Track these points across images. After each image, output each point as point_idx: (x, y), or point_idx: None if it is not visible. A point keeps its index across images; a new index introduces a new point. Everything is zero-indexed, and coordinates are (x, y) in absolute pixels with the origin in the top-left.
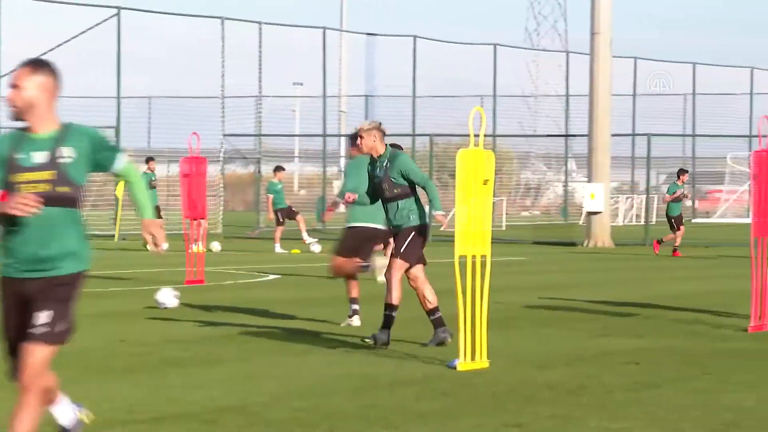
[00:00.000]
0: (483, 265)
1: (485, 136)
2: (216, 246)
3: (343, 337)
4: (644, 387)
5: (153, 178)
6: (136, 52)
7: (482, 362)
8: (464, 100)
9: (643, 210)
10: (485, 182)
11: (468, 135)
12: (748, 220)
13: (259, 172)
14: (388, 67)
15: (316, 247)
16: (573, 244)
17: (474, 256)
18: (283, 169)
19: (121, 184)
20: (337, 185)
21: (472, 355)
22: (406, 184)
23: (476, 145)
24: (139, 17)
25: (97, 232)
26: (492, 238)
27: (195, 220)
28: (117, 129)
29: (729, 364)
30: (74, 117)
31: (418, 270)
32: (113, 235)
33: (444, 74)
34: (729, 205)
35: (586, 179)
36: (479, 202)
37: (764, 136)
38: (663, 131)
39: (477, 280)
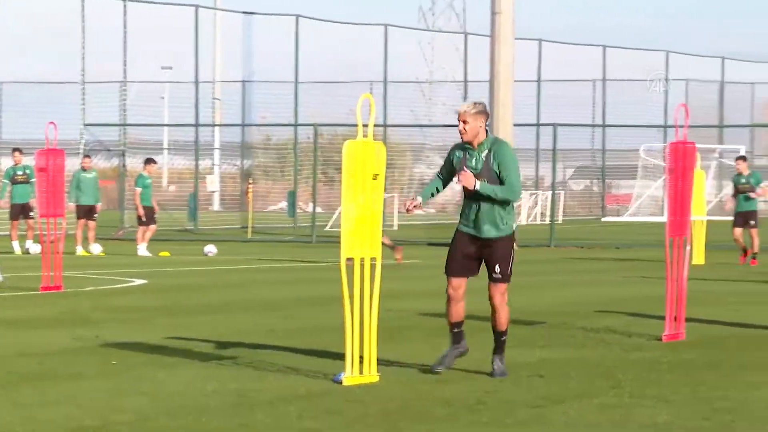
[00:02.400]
0: (372, 268)
1: (375, 126)
2: (96, 248)
3: (216, 350)
4: (549, 402)
5: (20, 172)
6: None
7: (371, 376)
8: (352, 86)
9: (549, 207)
10: (375, 177)
11: (356, 125)
12: (663, 219)
13: (123, 165)
14: (268, 50)
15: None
16: None
17: (362, 259)
18: (155, 162)
19: None
20: (210, 180)
21: (360, 369)
22: None
23: (365, 135)
24: None
25: None
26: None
27: (52, 218)
28: None
29: (642, 376)
30: None
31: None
32: None
33: (330, 58)
34: (642, 203)
35: None
36: (368, 199)
37: (681, 126)
38: (570, 121)
39: (366, 284)
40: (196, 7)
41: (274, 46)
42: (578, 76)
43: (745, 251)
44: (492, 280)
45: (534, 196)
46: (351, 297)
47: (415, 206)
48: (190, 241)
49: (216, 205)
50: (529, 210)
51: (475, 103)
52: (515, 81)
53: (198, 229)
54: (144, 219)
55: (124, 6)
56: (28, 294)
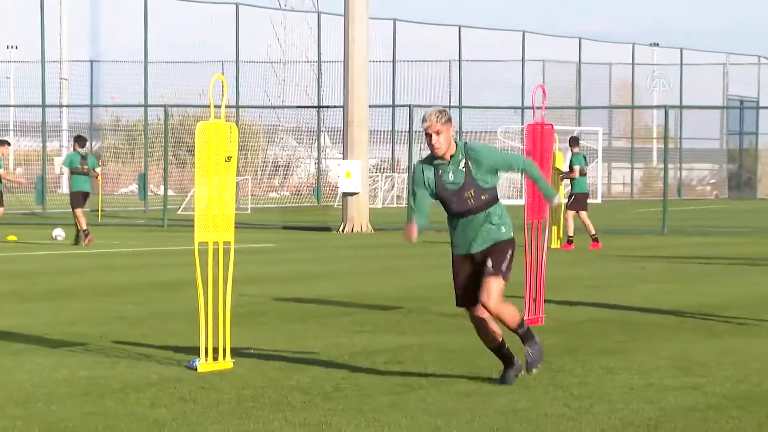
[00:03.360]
0: (226, 252)
1: (227, 107)
2: (59, 233)
3: (66, 336)
4: (407, 389)
5: None
6: None
7: (226, 363)
8: (203, 66)
9: (405, 190)
10: (228, 159)
11: (208, 106)
12: (521, 202)
13: None
14: (117, 30)
15: None
16: (327, 229)
17: (216, 243)
18: (8, 144)
19: None
20: (58, 161)
21: (214, 355)
22: (495, 185)
23: (217, 117)
24: None
25: None
26: (236, 223)
27: None
28: None
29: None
30: None
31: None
32: None
33: (180, 37)
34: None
35: (341, 156)
36: (221, 182)
37: (538, 108)
38: (426, 102)
39: (219, 269)
40: None
41: (123, 26)
42: (434, 57)
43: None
44: (484, 274)
45: (390, 179)
46: (204, 282)
47: (414, 233)
48: (37, 225)
49: (64, 188)
50: (385, 193)
51: (441, 111)
52: (370, 61)
53: (46, 212)
54: None
55: None
56: None
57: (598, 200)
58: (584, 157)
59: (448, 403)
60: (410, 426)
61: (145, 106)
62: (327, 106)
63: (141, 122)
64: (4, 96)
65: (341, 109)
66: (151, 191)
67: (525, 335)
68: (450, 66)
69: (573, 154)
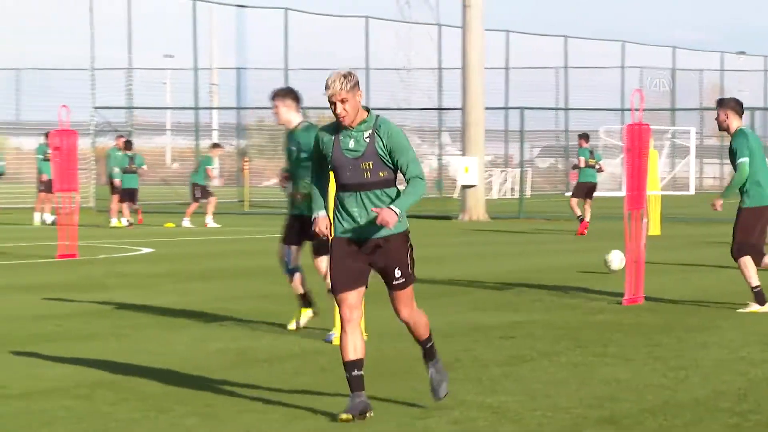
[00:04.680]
0: None
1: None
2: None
3: (217, 312)
4: (520, 361)
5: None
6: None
7: None
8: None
9: (518, 183)
10: None
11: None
12: (622, 194)
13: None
14: (260, 40)
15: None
16: (448, 218)
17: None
18: (221, 147)
19: None
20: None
21: None
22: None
23: None
24: None
25: None
26: None
27: (66, 193)
28: None
29: (604, 337)
30: None
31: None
32: None
33: (316, 47)
34: (602, 179)
35: (460, 152)
36: None
37: (636, 110)
38: (536, 104)
39: None
40: (194, 0)
41: (266, 36)
42: (542, 64)
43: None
44: (393, 288)
45: (504, 173)
46: None
47: (327, 230)
48: (193, 214)
49: (216, 181)
50: (500, 185)
51: (345, 75)
52: (485, 68)
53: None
54: (198, 195)
55: None
56: (45, 261)
57: (691, 192)
58: (591, 152)
59: (557, 374)
60: (523, 393)
61: None
62: (447, 109)
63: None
64: (162, 99)
65: (460, 111)
66: (278, 183)
67: (430, 352)
68: (557, 72)
69: (580, 148)
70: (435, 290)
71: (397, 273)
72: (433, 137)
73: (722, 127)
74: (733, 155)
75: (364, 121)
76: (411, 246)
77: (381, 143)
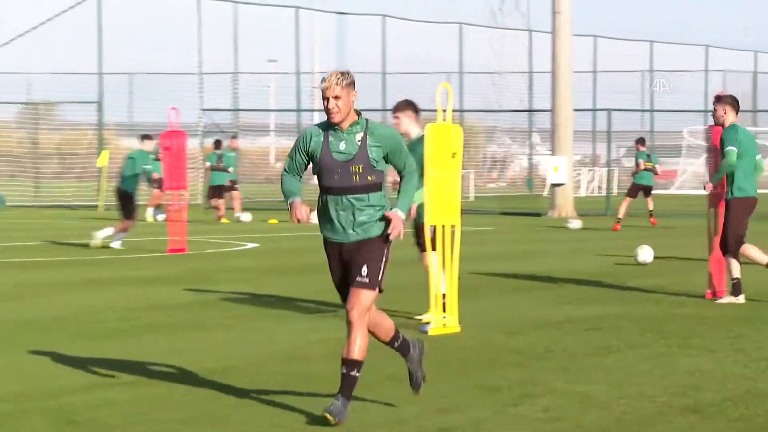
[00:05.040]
0: (453, 234)
1: (453, 111)
2: (246, 216)
3: (318, 305)
4: (606, 352)
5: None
6: (116, 29)
7: (453, 327)
8: (432, 77)
9: (605, 181)
10: (453, 155)
11: (435, 110)
12: (703, 192)
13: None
14: (359, 45)
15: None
16: (538, 215)
17: (444, 226)
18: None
19: (104, 155)
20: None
21: (443, 322)
22: (383, 171)
23: (444, 119)
24: None
25: (81, 203)
26: (461, 209)
27: (175, 191)
28: (99, 104)
29: (687, 329)
30: (58, 93)
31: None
32: (97, 206)
33: (412, 52)
34: (685, 178)
35: (549, 152)
36: (448, 174)
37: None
38: (622, 106)
39: (447, 248)
40: (296, 8)
41: (364, 41)
42: (629, 68)
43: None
44: (354, 283)
45: (591, 172)
46: (442, 260)
47: (306, 215)
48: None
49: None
50: (587, 184)
51: (343, 73)
52: (574, 72)
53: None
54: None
55: (235, 7)
56: (156, 256)
57: None
58: (648, 155)
59: (642, 364)
60: (609, 382)
61: (383, 110)
62: (537, 110)
63: (381, 123)
64: (265, 101)
65: (550, 112)
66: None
67: (347, 382)
68: (642, 75)
69: (638, 151)
70: (526, 284)
71: (364, 270)
72: (524, 138)
73: (719, 122)
74: (722, 145)
75: (356, 123)
76: (387, 254)
77: (375, 146)
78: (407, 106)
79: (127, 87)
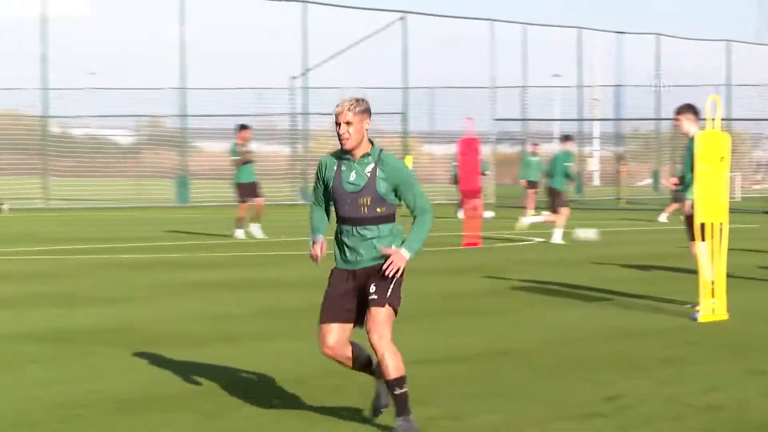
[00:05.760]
0: (721, 230)
1: (721, 120)
2: (489, 214)
3: (597, 293)
4: None
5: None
6: (419, 49)
7: (722, 315)
8: (701, 89)
9: None
10: (721, 159)
11: (706, 119)
12: None
13: (523, 151)
14: (635, 60)
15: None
16: None
17: (713, 223)
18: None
19: (407, 160)
20: (589, 162)
21: (712, 309)
22: (394, 204)
23: (713, 128)
24: (423, 20)
25: None
26: (729, 208)
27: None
28: (404, 115)
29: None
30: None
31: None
32: None
33: (683, 67)
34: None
35: None
36: (717, 176)
37: None
38: None
39: (716, 243)
40: (579, 28)
41: (640, 57)
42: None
43: None
44: (368, 303)
45: None
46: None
47: (321, 253)
48: (575, 209)
49: (596, 181)
50: None
51: (358, 100)
52: None
53: (582, 199)
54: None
55: (524, 28)
56: (452, 249)
57: None
58: None
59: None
60: None
61: (657, 119)
62: None
63: (653, 132)
64: (550, 112)
65: None
66: (662, 184)
67: (399, 402)
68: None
69: None
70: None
71: (372, 288)
72: None
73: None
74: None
75: (368, 154)
76: (400, 275)
77: (384, 179)
78: (688, 109)
79: (428, 99)
